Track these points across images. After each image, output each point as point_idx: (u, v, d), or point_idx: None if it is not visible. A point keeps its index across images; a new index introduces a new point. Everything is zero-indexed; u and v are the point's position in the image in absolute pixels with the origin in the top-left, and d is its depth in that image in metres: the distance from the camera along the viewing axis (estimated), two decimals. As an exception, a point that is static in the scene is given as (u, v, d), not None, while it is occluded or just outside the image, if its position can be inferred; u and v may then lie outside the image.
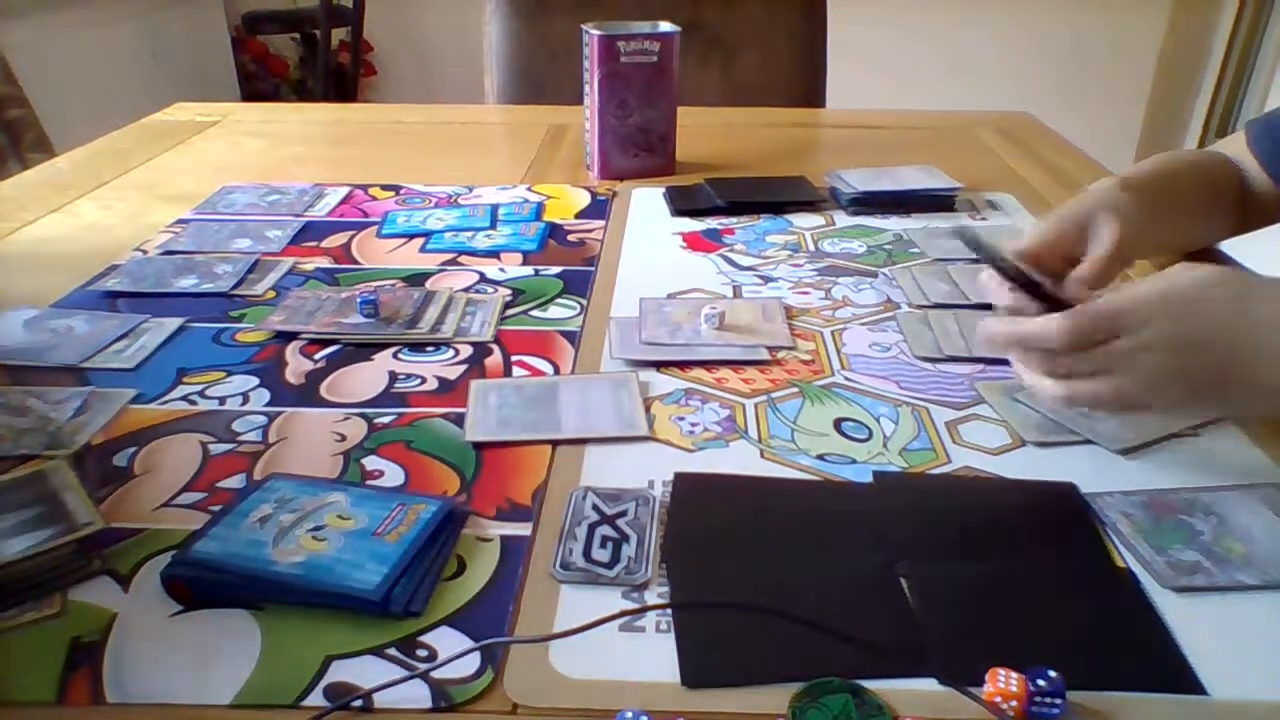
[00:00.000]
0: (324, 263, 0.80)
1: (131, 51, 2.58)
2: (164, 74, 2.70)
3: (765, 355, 0.65)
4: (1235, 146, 0.76)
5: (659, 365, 0.64)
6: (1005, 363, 0.64)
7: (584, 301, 0.73)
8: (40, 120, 1.87)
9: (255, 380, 0.62)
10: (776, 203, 0.93)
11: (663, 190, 0.97)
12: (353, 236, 0.86)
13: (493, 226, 0.88)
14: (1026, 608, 0.43)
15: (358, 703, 0.38)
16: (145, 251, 0.82)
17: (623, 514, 0.49)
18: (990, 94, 2.93)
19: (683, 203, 0.93)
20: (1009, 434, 0.56)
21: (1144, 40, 2.88)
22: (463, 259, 0.81)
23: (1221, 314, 0.47)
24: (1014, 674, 0.37)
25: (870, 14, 2.81)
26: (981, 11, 2.87)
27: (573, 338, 0.68)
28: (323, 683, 0.39)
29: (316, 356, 0.65)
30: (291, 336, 0.67)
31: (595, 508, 0.49)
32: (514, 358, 0.65)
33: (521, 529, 0.48)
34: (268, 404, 0.59)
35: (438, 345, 0.67)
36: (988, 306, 0.71)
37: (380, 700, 0.38)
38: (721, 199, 0.92)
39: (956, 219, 0.91)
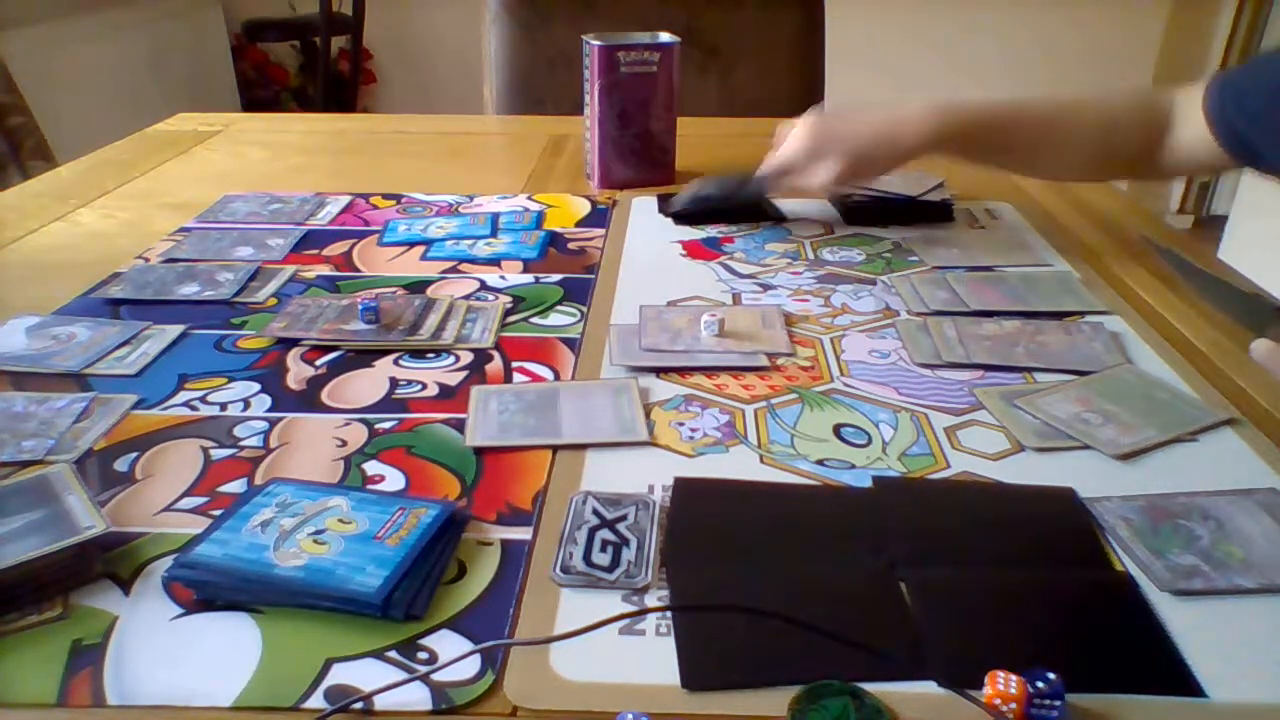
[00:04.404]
0: (325, 270, 0.81)
1: (132, 59, 2.59)
2: (164, 81, 2.71)
3: (765, 362, 0.65)
4: (1192, 95, 0.79)
5: (659, 371, 0.64)
6: (1003, 369, 0.64)
7: (584, 309, 0.74)
8: (41, 129, 1.88)
9: (257, 386, 0.62)
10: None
11: (656, 197, 0.98)
12: (354, 245, 0.86)
13: (493, 235, 0.88)
14: (1025, 611, 0.43)
15: (358, 705, 0.38)
16: (147, 259, 0.82)
17: (623, 518, 0.49)
18: (988, 94, 2.94)
19: (671, 206, 0.94)
20: (1008, 439, 0.56)
21: (1144, 40, 2.89)
22: (463, 267, 0.81)
23: None
24: (1013, 676, 0.37)
25: (869, 14, 2.82)
26: (980, 12, 2.89)
27: (573, 344, 0.68)
28: (323, 685, 0.39)
29: (318, 363, 0.65)
30: (293, 343, 0.68)
31: (595, 512, 0.49)
32: (514, 364, 0.65)
33: (522, 533, 0.48)
34: (269, 410, 0.59)
35: (438, 352, 0.67)
36: (986, 313, 0.72)
37: (381, 702, 0.38)
38: (681, 212, 0.93)
39: (955, 227, 0.91)
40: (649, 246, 0.86)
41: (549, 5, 1.41)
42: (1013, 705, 0.37)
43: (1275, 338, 0.55)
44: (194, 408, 0.59)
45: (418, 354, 0.66)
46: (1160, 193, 3.10)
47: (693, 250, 0.85)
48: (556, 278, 0.79)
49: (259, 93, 3.15)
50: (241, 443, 0.56)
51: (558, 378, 0.64)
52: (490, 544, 0.47)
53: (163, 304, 0.74)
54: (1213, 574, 0.45)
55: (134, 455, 0.54)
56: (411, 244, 0.86)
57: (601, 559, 0.46)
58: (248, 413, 0.59)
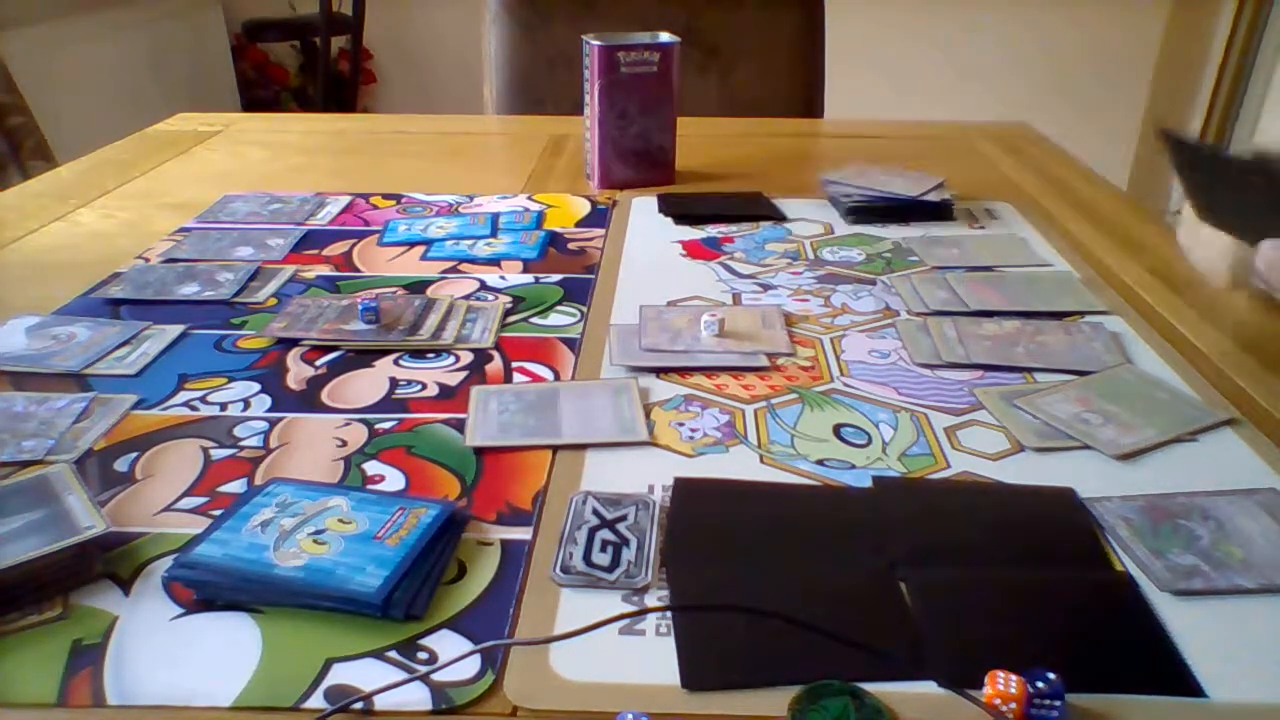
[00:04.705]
0: (325, 270, 0.81)
1: (132, 59, 2.59)
2: (164, 81, 2.71)
3: (765, 362, 0.65)
4: None
5: (659, 371, 0.64)
6: (1003, 369, 0.64)
7: (584, 309, 0.74)
8: (41, 129, 1.87)
9: (257, 386, 0.62)
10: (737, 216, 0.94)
11: (656, 197, 0.98)
12: (354, 245, 0.86)
13: (493, 235, 0.88)
14: (1025, 611, 0.43)
15: (358, 705, 0.38)
16: (147, 259, 0.82)
17: (623, 518, 0.49)
18: (988, 94, 2.95)
19: (678, 208, 0.94)
20: (1008, 439, 0.56)
21: (1144, 40, 2.89)
22: (463, 267, 0.81)
23: None
24: (1013, 676, 0.37)
25: (869, 14, 2.83)
26: (980, 12, 2.89)
27: (573, 344, 0.68)
28: (323, 685, 0.39)
29: (318, 363, 0.65)
30: (293, 343, 0.68)
31: (595, 512, 0.49)
32: (514, 364, 0.65)
33: (522, 533, 0.48)
34: (269, 410, 0.59)
35: (439, 352, 0.67)
36: (986, 313, 0.72)
37: (381, 702, 0.38)
38: (675, 214, 0.94)
39: (955, 227, 0.91)
40: (649, 246, 0.86)
41: (549, 5, 1.41)
42: (1013, 705, 0.37)
43: None
44: (194, 408, 0.59)
45: (418, 354, 0.66)
46: (1160, 192, 3.10)
47: (693, 250, 0.85)
48: (556, 278, 0.79)
49: (259, 93, 3.15)
50: (241, 443, 0.56)
51: (558, 378, 0.64)
52: (490, 544, 0.47)
53: (163, 304, 0.74)
54: (1213, 574, 0.45)
55: (134, 455, 0.54)
56: (411, 244, 0.86)
57: (601, 559, 0.46)
58: (248, 413, 0.59)
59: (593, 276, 0.80)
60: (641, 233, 0.90)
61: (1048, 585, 0.45)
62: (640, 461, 0.54)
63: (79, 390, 0.61)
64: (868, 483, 0.52)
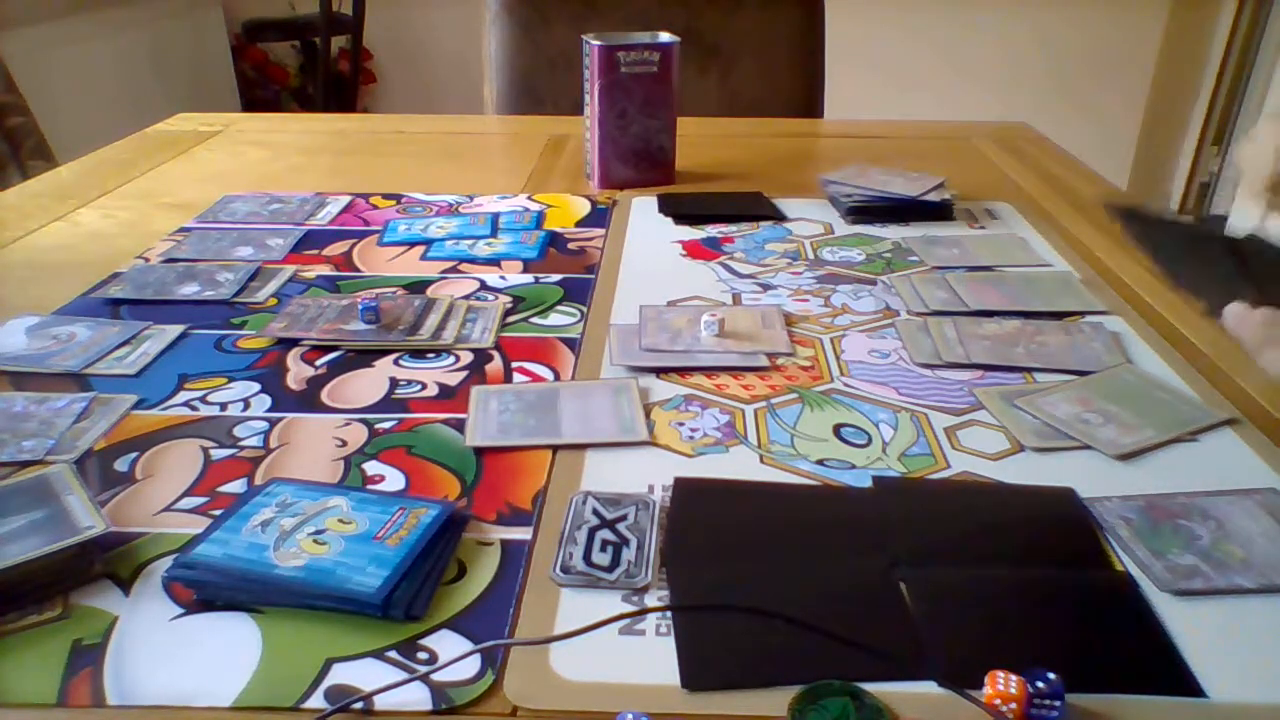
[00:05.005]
0: (325, 270, 0.81)
1: (132, 59, 2.59)
2: (164, 81, 2.71)
3: (765, 362, 0.65)
4: None
5: (659, 371, 0.64)
6: (1003, 369, 0.64)
7: (584, 309, 0.74)
8: (41, 129, 1.87)
9: (257, 386, 0.62)
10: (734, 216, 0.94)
11: (656, 197, 0.98)
12: (354, 244, 0.86)
13: (493, 235, 0.88)
14: (1026, 611, 0.43)
15: (358, 705, 0.38)
16: (147, 259, 0.82)
17: (623, 518, 0.49)
18: (988, 94, 2.95)
19: (678, 208, 0.94)
20: (1008, 439, 0.56)
21: (1144, 40, 2.89)
22: (463, 267, 0.81)
23: None
24: (1013, 676, 0.37)
25: (869, 14, 2.83)
26: (980, 12, 2.89)
27: (573, 344, 0.68)
28: (323, 685, 0.39)
29: (318, 363, 0.65)
30: (293, 343, 0.68)
31: (595, 512, 0.49)
32: (515, 364, 0.65)
33: (522, 533, 0.48)
34: (269, 410, 0.59)
35: (439, 352, 0.67)
36: (986, 313, 0.72)
37: (381, 702, 0.38)
38: (675, 214, 0.94)
39: (955, 227, 0.91)
40: (649, 246, 0.86)
41: (549, 5, 1.41)
42: (1013, 705, 0.37)
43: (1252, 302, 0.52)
44: (194, 408, 0.59)
45: (418, 354, 0.66)
46: (1160, 193, 3.10)
47: (693, 250, 0.85)
48: (556, 278, 0.79)
49: (259, 93, 3.15)
50: (241, 443, 0.56)
51: (558, 378, 0.64)
52: (490, 544, 0.47)
53: (163, 304, 0.74)
54: (1213, 574, 0.45)
55: (134, 455, 0.54)
56: (411, 244, 0.86)
57: (601, 559, 0.46)
58: (248, 413, 0.59)
59: (593, 276, 0.80)
60: (641, 233, 0.90)
61: (1048, 585, 0.45)
62: (640, 461, 0.54)
63: (79, 390, 0.61)
64: (868, 483, 0.52)
